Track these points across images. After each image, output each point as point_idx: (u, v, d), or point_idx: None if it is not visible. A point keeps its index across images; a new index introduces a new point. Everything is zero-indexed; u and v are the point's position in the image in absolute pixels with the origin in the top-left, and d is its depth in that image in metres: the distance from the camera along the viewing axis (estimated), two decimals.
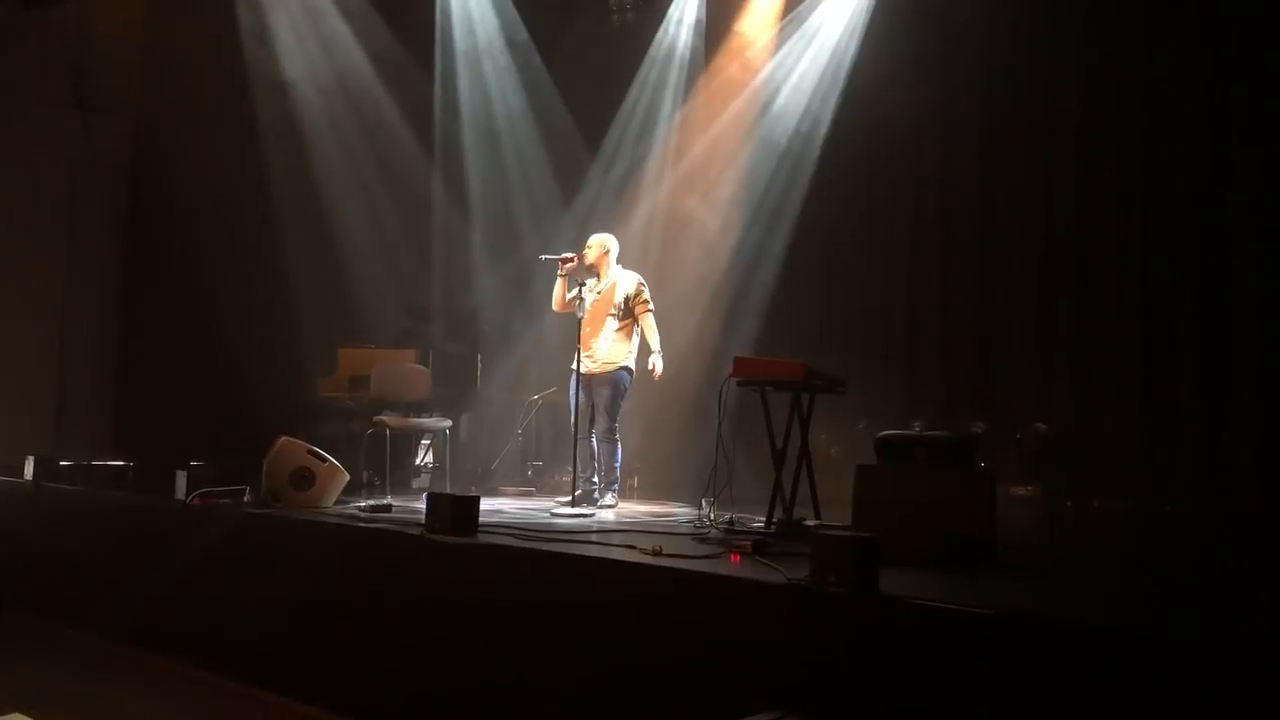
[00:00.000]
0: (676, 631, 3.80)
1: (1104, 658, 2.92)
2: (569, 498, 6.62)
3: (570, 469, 6.80)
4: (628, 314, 6.90)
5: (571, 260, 6.88)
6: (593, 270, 6.97)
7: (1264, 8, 7.04)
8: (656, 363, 6.84)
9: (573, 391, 6.82)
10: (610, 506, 6.74)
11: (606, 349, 6.83)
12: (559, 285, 6.95)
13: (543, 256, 7.14)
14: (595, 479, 6.89)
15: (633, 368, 6.93)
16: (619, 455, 6.95)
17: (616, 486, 6.96)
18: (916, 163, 8.69)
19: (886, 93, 8.51)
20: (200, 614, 5.49)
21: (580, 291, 6.74)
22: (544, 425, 8.96)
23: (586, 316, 6.75)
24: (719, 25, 9.58)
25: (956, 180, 8.47)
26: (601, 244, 7.03)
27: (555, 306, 7.05)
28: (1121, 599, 4.05)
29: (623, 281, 6.95)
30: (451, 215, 9.98)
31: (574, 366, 6.80)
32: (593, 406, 6.85)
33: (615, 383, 6.83)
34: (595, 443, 6.90)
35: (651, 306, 6.94)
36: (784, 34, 9.25)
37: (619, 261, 7.13)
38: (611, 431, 6.87)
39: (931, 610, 3.26)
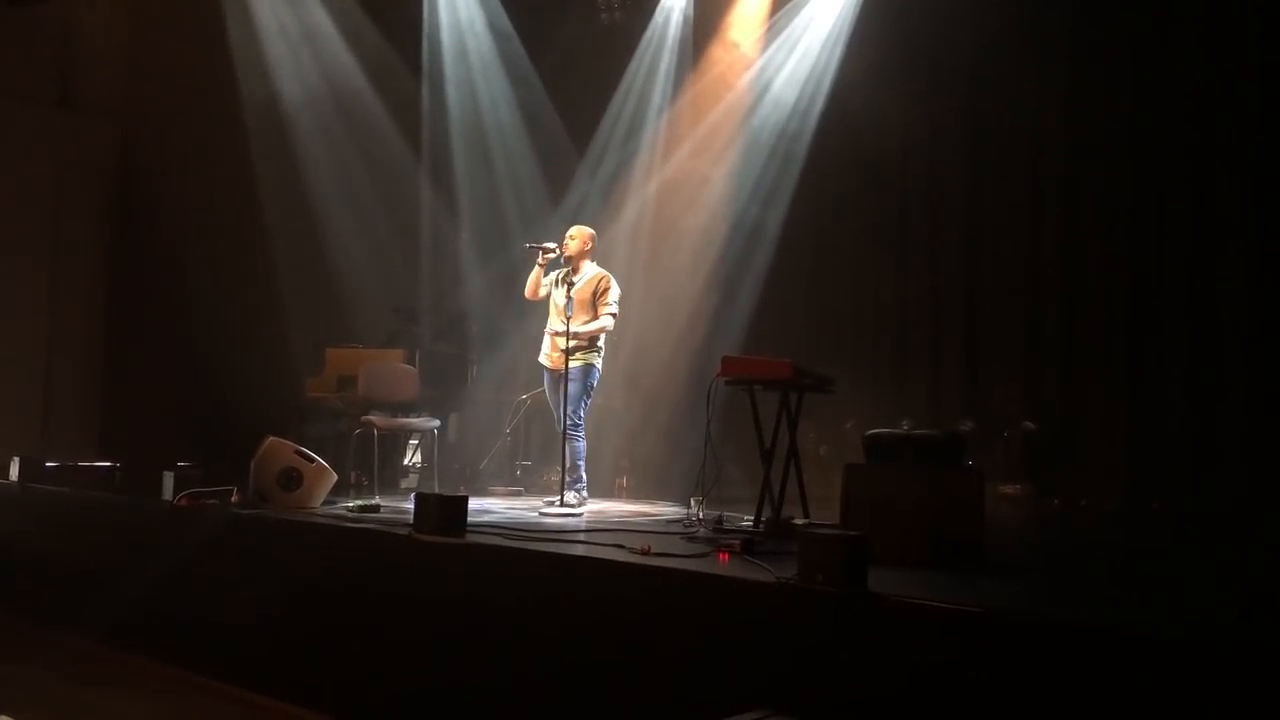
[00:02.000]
0: (665, 631, 3.79)
1: (1091, 656, 2.93)
2: (557, 497, 6.60)
3: (559, 468, 6.78)
4: (596, 310, 6.79)
5: (552, 251, 6.78)
6: (571, 263, 6.87)
7: (1248, 16, 7.09)
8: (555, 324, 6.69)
9: (547, 390, 6.83)
10: (574, 507, 6.45)
11: (575, 344, 6.70)
12: (535, 274, 6.87)
13: (526, 245, 6.96)
14: (584, 475, 6.84)
15: (599, 366, 6.85)
16: (582, 452, 6.77)
17: (581, 486, 6.74)
18: (904, 162, 8.71)
19: (874, 91, 8.53)
20: (187, 615, 5.46)
21: (556, 284, 6.76)
22: (532, 425, 8.94)
23: (558, 311, 6.71)
24: (707, 24, 9.58)
25: (944, 180, 8.50)
26: (584, 237, 6.90)
27: (528, 294, 6.96)
28: (1109, 597, 4.06)
29: (594, 276, 6.85)
30: (440, 215, 9.96)
31: (541, 360, 6.80)
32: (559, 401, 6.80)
33: (583, 378, 6.75)
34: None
35: (614, 310, 6.76)
36: (773, 32, 9.26)
37: (594, 258, 7.03)
38: (576, 428, 6.72)
39: (920, 609, 3.26)
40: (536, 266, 6.85)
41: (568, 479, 6.62)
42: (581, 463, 6.77)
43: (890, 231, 8.79)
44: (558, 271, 6.88)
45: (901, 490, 4.51)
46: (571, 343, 6.62)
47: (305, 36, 9.28)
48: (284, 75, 9.18)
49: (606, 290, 6.79)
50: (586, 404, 6.80)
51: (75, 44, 9.45)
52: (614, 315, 6.78)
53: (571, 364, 6.65)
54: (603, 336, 6.83)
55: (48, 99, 9.35)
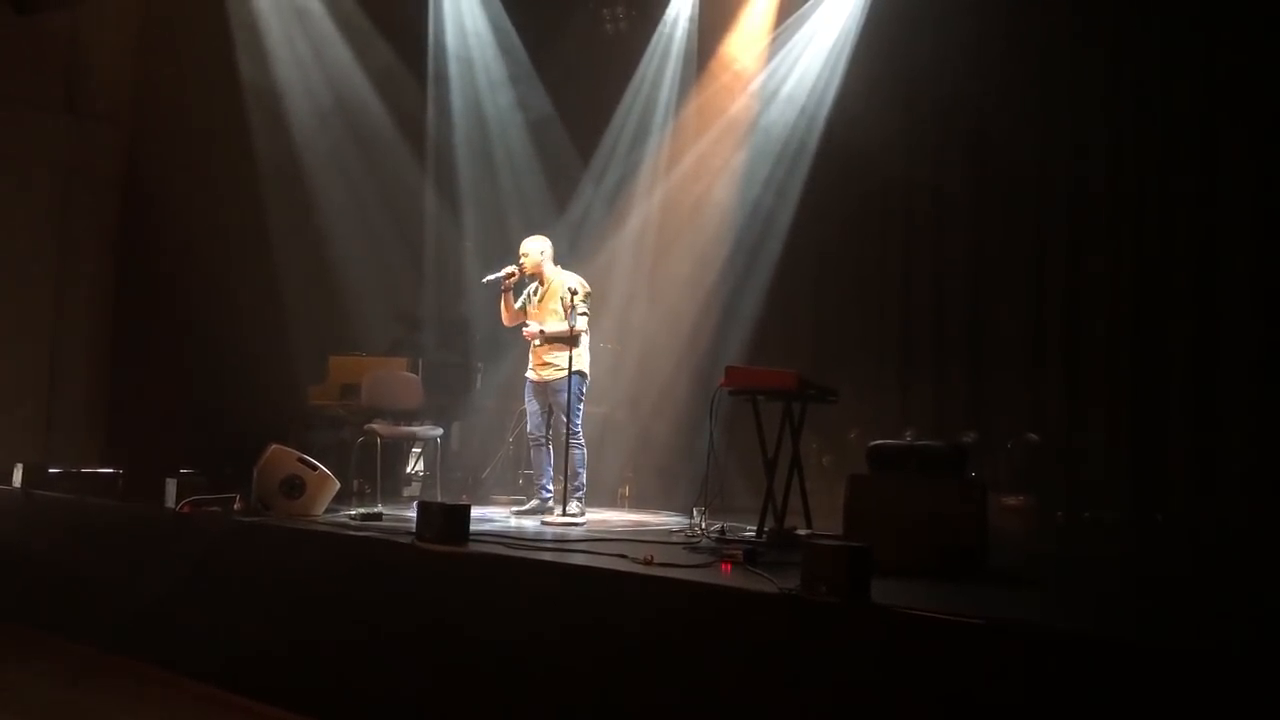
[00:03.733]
0: (667, 641, 3.79)
1: (1095, 668, 2.93)
2: (527, 505, 6.72)
3: (543, 476, 6.80)
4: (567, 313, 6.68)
5: (514, 275, 6.72)
6: (535, 277, 6.80)
7: (1256, 22, 7.11)
8: (533, 327, 6.65)
9: (527, 399, 6.83)
10: (577, 516, 6.44)
11: (559, 353, 6.67)
12: (504, 301, 6.77)
13: (485, 280, 6.86)
14: (550, 487, 6.79)
15: (586, 371, 6.78)
16: (584, 460, 6.75)
17: (582, 494, 6.70)
18: (909, 172, 8.69)
19: (879, 103, 8.54)
20: (189, 622, 5.46)
21: (529, 300, 6.76)
22: None
23: (536, 322, 6.69)
24: (712, 35, 9.60)
25: (948, 193, 8.49)
26: (537, 249, 6.78)
27: (507, 323, 6.88)
28: (1113, 609, 4.05)
29: (562, 281, 6.73)
30: (443, 224, 9.98)
31: (527, 375, 6.81)
32: (547, 412, 6.78)
33: (575, 386, 6.66)
34: (550, 451, 6.81)
35: (584, 310, 6.62)
36: (778, 43, 9.28)
37: (556, 261, 6.96)
38: (575, 436, 6.68)
39: (923, 620, 3.26)
40: (502, 294, 6.76)
41: (573, 486, 6.62)
42: (583, 470, 6.74)
43: (895, 242, 8.78)
44: (528, 289, 6.82)
45: (905, 501, 4.51)
46: (553, 352, 6.64)
47: (312, 46, 9.31)
48: (289, 83, 9.21)
49: (574, 292, 6.64)
50: (579, 411, 6.77)
51: (82, 52, 9.46)
52: (585, 315, 6.66)
53: (561, 376, 6.61)
54: (585, 340, 6.74)
55: (54, 107, 9.37)
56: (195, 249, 8.97)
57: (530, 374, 6.84)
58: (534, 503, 6.79)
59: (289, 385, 8.47)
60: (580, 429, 6.74)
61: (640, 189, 9.63)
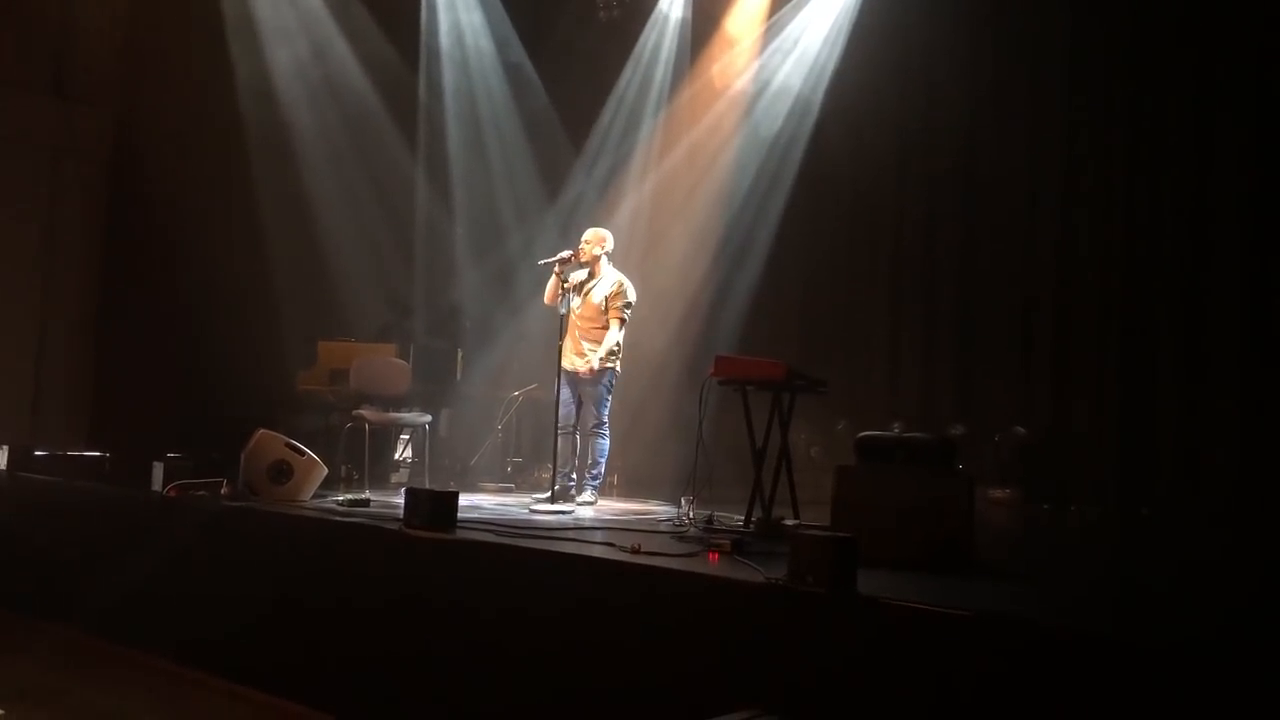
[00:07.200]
0: (654, 629, 3.79)
1: (1078, 662, 2.94)
2: (548, 494, 6.59)
3: (550, 465, 6.78)
4: (607, 314, 6.77)
5: (570, 260, 6.73)
6: (587, 267, 6.81)
7: (1251, 15, 7.12)
8: (594, 360, 6.65)
9: (560, 386, 6.83)
10: (590, 503, 6.61)
11: (596, 346, 6.73)
12: (553, 282, 6.74)
13: (540, 262, 6.85)
14: (574, 475, 6.86)
15: (617, 369, 6.85)
16: (606, 451, 6.82)
17: (599, 483, 6.83)
18: (900, 163, 8.72)
19: (871, 94, 8.55)
20: (175, 607, 5.46)
21: (570, 288, 6.73)
22: (524, 421, 8.93)
23: (576, 313, 6.71)
24: (705, 24, 9.59)
25: (939, 183, 8.51)
26: (597, 239, 6.82)
27: (548, 300, 6.85)
28: (1097, 603, 4.07)
29: (609, 280, 6.82)
30: (434, 210, 9.96)
31: (562, 364, 6.79)
32: (578, 403, 6.81)
33: (605, 379, 6.76)
34: (579, 438, 6.85)
35: (625, 315, 6.74)
36: (770, 33, 9.27)
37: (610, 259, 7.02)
38: (601, 427, 6.76)
39: (908, 611, 3.27)
40: (554, 275, 6.75)
41: (591, 475, 6.69)
42: (604, 460, 6.81)
43: (885, 234, 8.80)
44: (576, 274, 6.81)
45: (892, 493, 4.51)
46: (588, 348, 6.68)
47: (302, 27, 9.26)
48: (280, 66, 9.16)
49: (618, 295, 6.74)
50: (608, 404, 6.82)
51: (71, 32, 9.39)
52: (622, 320, 6.73)
53: (595, 367, 6.66)
54: (618, 340, 6.79)
55: (42, 89, 9.30)
56: (183, 232, 8.92)
57: (565, 363, 6.84)
58: (555, 490, 6.68)
59: (277, 370, 8.45)
60: (607, 421, 6.79)
61: (632, 176, 9.62)
